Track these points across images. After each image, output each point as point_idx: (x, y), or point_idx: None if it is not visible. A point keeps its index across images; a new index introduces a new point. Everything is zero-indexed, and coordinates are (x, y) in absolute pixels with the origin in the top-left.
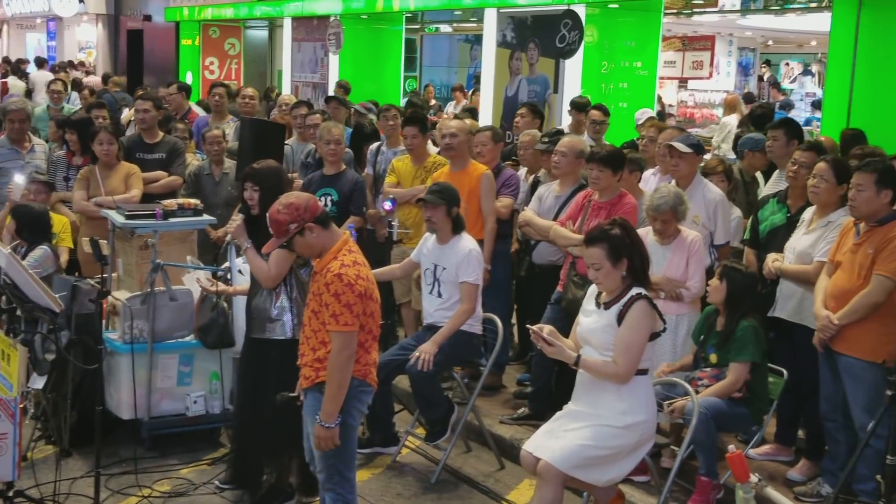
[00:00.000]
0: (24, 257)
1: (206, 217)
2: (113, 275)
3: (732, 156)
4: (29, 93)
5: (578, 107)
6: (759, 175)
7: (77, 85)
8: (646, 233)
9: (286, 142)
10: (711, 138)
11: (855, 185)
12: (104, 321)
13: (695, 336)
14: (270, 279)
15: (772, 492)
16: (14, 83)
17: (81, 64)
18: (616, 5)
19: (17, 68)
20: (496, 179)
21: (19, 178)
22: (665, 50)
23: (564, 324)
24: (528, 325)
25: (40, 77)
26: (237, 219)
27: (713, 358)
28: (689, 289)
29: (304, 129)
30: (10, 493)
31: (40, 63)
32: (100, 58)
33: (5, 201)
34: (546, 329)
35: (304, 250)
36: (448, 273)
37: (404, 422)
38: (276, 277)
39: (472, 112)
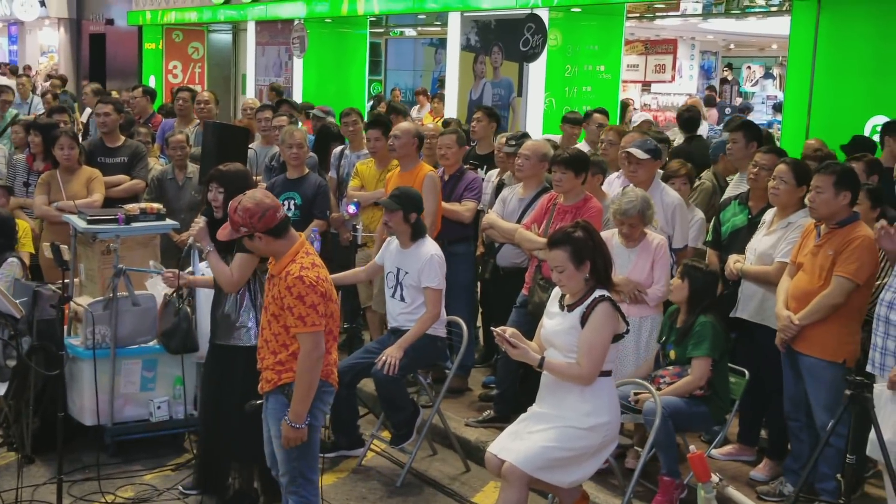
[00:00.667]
0: None
1: (169, 221)
2: (75, 280)
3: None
4: None
5: (572, 122)
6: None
7: (34, 88)
8: (611, 235)
9: (250, 145)
10: (674, 141)
11: (814, 188)
12: (66, 327)
13: (659, 336)
14: (232, 284)
15: (733, 491)
16: None
17: (28, 68)
18: (579, 9)
19: None
20: (459, 182)
21: None
22: (628, 54)
23: (530, 327)
24: (492, 328)
25: None
26: (200, 221)
27: (672, 354)
28: (653, 292)
29: (268, 132)
30: None
31: None
32: (62, 62)
33: None
34: (509, 331)
35: (253, 249)
36: (410, 277)
37: (369, 425)
38: (238, 282)
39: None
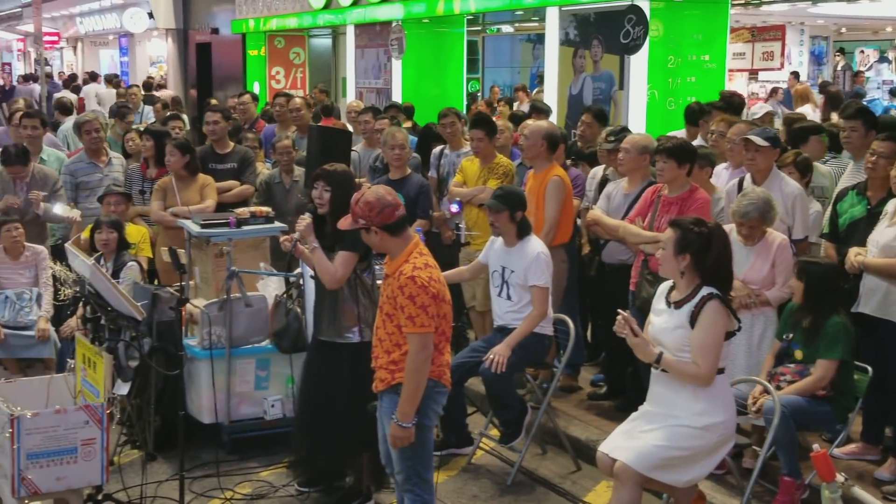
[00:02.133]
0: (112, 272)
1: (277, 224)
2: (190, 283)
3: None
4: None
5: (691, 119)
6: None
7: (149, 99)
8: (730, 230)
9: (353, 148)
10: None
11: None
12: (183, 328)
13: (778, 334)
14: (335, 280)
15: (859, 491)
16: (67, 97)
17: (151, 78)
18: None
19: (69, 83)
20: None
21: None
22: (734, 42)
23: (641, 324)
24: (619, 311)
25: (92, 91)
26: (306, 218)
27: (798, 354)
28: (773, 295)
29: (370, 134)
30: (100, 497)
31: (93, 77)
32: (170, 72)
33: (90, 217)
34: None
35: (368, 242)
36: (516, 276)
37: (477, 424)
38: (340, 279)
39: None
